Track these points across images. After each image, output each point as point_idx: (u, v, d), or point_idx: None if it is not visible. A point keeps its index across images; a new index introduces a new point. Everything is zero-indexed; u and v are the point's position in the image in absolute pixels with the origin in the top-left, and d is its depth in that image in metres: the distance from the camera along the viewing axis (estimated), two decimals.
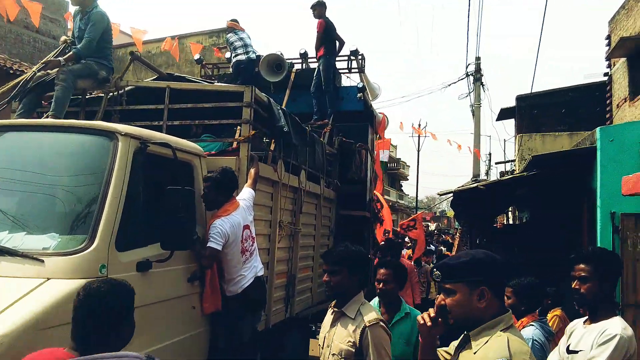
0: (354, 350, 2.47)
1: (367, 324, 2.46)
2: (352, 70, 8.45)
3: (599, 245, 5.91)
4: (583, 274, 2.56)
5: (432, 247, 13.34)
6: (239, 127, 4.34)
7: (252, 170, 4.18)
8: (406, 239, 12.30)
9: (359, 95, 7.98)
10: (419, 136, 39.25)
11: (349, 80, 8.52)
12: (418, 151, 40.52)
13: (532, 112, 17.85)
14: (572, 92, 18.15)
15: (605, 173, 6.10)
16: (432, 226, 45.01)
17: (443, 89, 30.29)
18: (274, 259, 4.86)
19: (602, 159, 6.18)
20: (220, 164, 3.90)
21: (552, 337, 3.39)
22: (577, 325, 2.73)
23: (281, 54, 7.95)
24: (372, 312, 2.56)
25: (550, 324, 4.13)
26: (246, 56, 7.68)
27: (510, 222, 22.29)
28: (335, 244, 7.23)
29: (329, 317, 2.76)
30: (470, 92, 18.98)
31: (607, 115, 14.50)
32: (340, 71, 8.45)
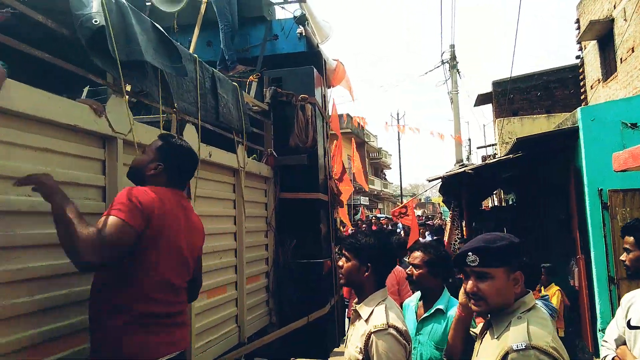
0: (361, 358, 2.10)
1: (373, 330, 2.08)
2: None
3: (589, 222, 6.27)
4: (626, 246, 2.70)
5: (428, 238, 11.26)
6: None
7: None
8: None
9: (299, 31, 5.65)
10: (398, 123, 38.02)
11: (285, 12, 6.16)
12: (399, 140, 39.26)
13: (508, 96, 18.36)
14: (546, 76, 19.23)
15: (589, 151, 6.27)
16: (419, 212, 43.61)
17: (420, 77, 29.02)
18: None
19: (585, 138, 6.32)
20: None
21: (555, 314, 3.38)
22: (636, 299, 2.64)
23: None
24: (383, 314, 2.12)
25: (553, 301, 4.76)
26: None
27: (497, 204, 22.79)
28: (277, 241, 4.92)
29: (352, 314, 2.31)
30: (447, 80, 19.12)
31: (582, 97, 15.05)
32: (272, 0, 6.09)
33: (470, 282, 1.85)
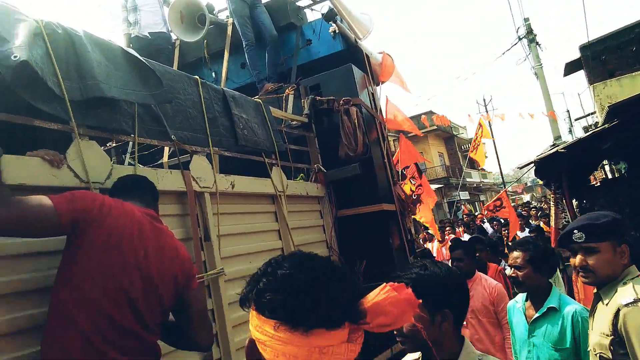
0: None
1: None
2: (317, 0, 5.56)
3: None
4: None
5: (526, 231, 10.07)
6: None
7: None
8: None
9: (331, 29, 5.10)
10: (486, 111, 35.92)
11: (317, 14, 5.61)
12: (490, 127, 36.88)
13: (600, 58, 16.82)
14: (639, 28, 17.05)
15: None
16: (527, 197, 40.63)
17: (497, 59, 27.42)
18: None
19: None
20: None
21: None
22: None
23: None
24: None
25: None
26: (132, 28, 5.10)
27: (609, 175, 20.37)
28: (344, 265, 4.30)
29: None
30: (527, 56, 18.13)
31: None
32: (300, 5, 5.60)
33: (578, 257, 2.00)
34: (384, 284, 1.00)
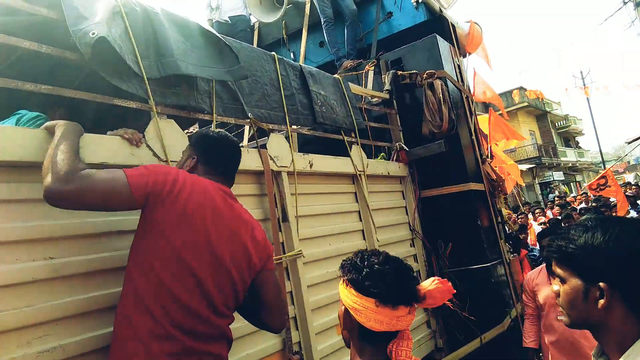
0: None
1: None
2: None
3: None
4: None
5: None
6: None
7: None
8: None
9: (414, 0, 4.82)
10: (584, 84, 33.34)
11: None
12: (588, 101, 34.16)
13: None
14: None
15: None
16: (630, 177, 37.59)
17: (599, 25, 25.46)
18: None
19: None
20: None
21: None
22: None
23: None
24: None
25: None
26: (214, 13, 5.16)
27: None
28: (427, 249, 4.13)
29: None
30: (633, 21, 17.37)
31: None
32: None
33: None
34: (433, 277, 1.43)
